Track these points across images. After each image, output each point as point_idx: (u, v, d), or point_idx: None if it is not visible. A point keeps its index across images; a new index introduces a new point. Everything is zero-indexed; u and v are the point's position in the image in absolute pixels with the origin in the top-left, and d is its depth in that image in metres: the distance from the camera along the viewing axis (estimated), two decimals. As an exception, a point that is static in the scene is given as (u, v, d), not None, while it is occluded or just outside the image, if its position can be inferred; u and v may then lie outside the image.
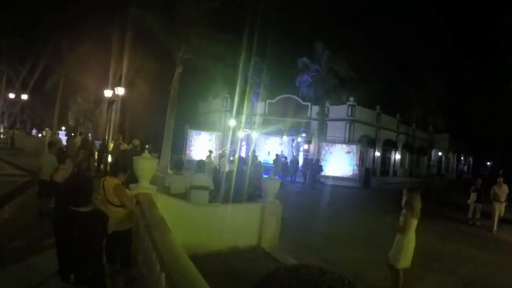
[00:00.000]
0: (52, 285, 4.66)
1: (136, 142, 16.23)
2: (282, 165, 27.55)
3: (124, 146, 17.86)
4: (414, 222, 7.27)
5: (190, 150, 34.43)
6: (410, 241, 7.28)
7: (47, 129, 32.32)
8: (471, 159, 69.59)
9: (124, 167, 5.90)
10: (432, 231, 13.47)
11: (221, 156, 22.14)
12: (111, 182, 5.64)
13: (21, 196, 12.85)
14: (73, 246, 3.80)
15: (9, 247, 7.62)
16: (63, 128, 47.20)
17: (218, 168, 17.99)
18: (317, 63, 34.63)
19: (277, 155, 29.10)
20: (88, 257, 3.91)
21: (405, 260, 7.28)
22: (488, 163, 70.70)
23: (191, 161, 29.04)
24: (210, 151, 24.16)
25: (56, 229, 3.96)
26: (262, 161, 24.82)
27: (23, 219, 9.99)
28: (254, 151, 22.51)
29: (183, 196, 8.54)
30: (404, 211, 7.45)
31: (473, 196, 17.27)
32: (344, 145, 33.29)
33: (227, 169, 16.68)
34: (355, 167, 31.60)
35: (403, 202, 7.58)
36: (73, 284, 3.97)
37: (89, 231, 3.83)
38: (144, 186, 7.07)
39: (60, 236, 3.92)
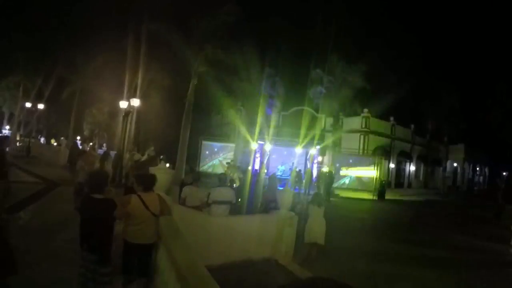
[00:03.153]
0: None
1: (152, 152, 16.28)
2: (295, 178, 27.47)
3: (138, 157, 17.93)
4: (317, 210, 9.82)
5: (204, 162, 34.54)
6: (313, 223, 9.67)
7: (62, 138, 32.71)
8: (486, 170, 68.79)
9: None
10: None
11: (233, 167, 22.05)
12: (154, 196, 5.79)
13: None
14: (90, 222, 5.12)
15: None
16: (78, 137, 47.57)
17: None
18: (331, 75, 34.64)
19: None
20: (100, 232, 5.13)
21: (309, 236, 9.57)
22: (505, 173, 69.87)
23: (205, 173, 29.09)
24: (228, 163, 24.06)
25: (81, 209, 5.43)
26: (276, 174, 24.80)
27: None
28: (262, 163, 22.32)
29: (199, 209, 8.54)
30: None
31: None
32: (358, 157, 33.20)
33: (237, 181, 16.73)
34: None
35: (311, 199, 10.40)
36: (86, 251, 5.16)
37: (100, 212, 5.16)
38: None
39: (83, 214, 5.29)
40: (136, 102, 24.50)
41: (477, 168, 63.12)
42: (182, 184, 10.04)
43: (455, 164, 53.92)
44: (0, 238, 5.11)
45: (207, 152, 34.64)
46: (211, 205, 8.63)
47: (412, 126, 44.50)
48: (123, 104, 23.97)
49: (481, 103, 40.31)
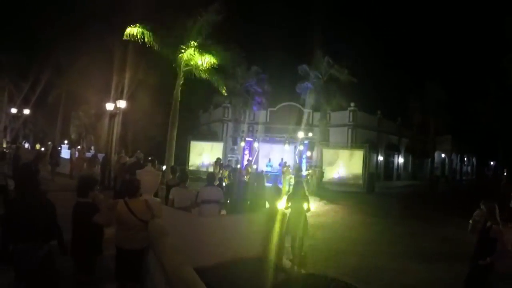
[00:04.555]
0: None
1: (140, 155, 16.16)
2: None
3: (125, 159, 17.83)
4: (296, 202, 9.48)
5: (193, 161, 34.42)
6: (293, 215, 9.38)
7: (49, 143, 32.48)
8: (474, 160, 69.33)
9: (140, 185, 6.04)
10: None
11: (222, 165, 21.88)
12: (141, 202, 5.74)
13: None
14: (74, 226, 5.32)
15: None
16: (66, 141, 47.25)
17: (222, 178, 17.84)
18: (317, 70, 34.70)
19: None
20: (80, 237, 5.28)
21: (289, 229, 9.32)
22: (492, 163, 70.63)
23: (193, 172, 28.99)
24: (218, 159, 23.80)
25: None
26: (264, 170, 24.74)
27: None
28: (250, 161, 22.07)
29: (188, 209, 8.49)
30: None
31: None
32: (346, 151, 33.27)
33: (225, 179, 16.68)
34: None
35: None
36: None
37: (82, 216, 5.28)
38: (148, 199, 7.07)
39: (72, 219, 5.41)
40: (122, 103, 24.35)
41: (465, 159, 63.65)
42: (167, 185, 9.91)
43: (442, 155, 54.32)
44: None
45: (195, 151, 34.52)
46: (200, 205, 8.58)
47: (399, 119, 44.76)
48: (109, 106, 23.80)
49: (467, 93, 40.68)
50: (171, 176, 10.69)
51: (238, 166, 21.27)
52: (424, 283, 8.78)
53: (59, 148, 30.14)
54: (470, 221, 7.05)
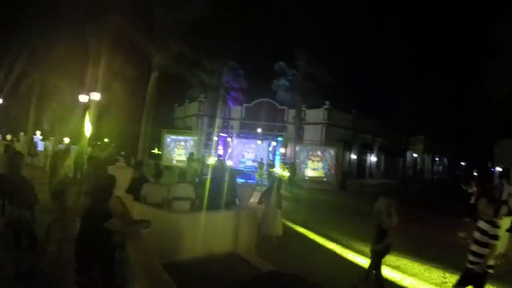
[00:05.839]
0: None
1: (113, 149, 16.07)
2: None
3: (97, 153, 17.68)
4: (270, 201, 10.10)
5: (167, 155, 34.28)
6: (267, 214, 10.07)
7: (21, 133, 31.96)
8: (445, 160, 70.55)
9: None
10: None
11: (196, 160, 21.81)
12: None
13: None
14: (85, 227, 5.18)
15: None
16: (39, 132, 46.52)
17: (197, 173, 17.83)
18: (294, 67, 34.85)
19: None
20: (89, 240, 5.01)
21: (265, 228, 9.99)
22: (463, 163, 72.00)
23: (168, 167, 28.89)
24: (192, 154, 23.62)
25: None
26: (236, 166, 24.81)
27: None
28: (219, 156, 21.95)
29: (160, 205, 8.53)
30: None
31: (507, 221, 9.47)
32: (319, 150, 33.49)
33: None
34: (328, 170, 31.81)
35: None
36: None
37: (93, 221, 5.00)
38: (120, 195, 7.09)
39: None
40: (96, 95, 24.06)
41: (436, 159, 64.73)
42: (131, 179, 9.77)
43: (415, 155, 55.20)
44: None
45: (170, 146, 34.40)
46: (172, 202, 8.63)
47: (374, 118, 45.24)
48: (82, 98, 23.50)
49: (444, 94, 41.30)
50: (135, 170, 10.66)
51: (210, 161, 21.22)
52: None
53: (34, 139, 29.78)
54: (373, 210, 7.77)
